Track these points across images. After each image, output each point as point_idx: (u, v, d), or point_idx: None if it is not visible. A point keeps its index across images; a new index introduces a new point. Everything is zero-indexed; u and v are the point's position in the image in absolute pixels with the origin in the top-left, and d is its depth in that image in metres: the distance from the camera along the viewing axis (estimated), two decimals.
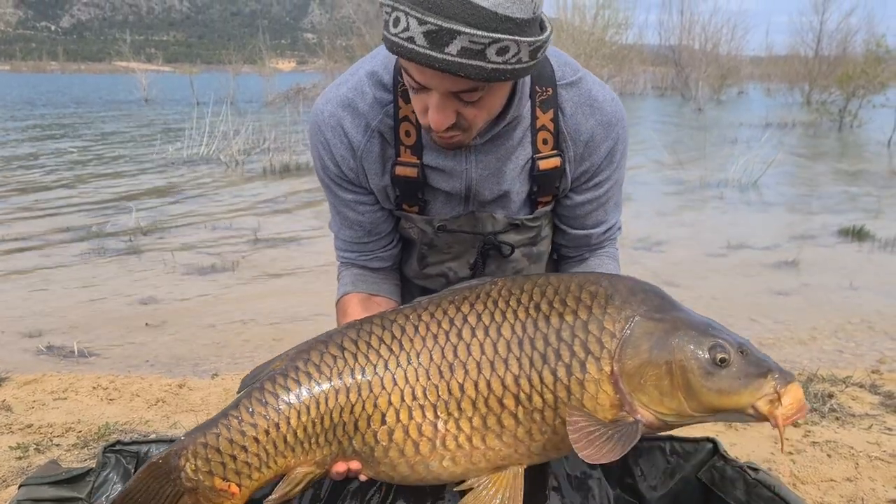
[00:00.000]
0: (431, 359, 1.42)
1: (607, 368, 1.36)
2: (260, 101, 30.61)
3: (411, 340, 1.44)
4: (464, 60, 1.24)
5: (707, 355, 1.33)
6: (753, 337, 4.46)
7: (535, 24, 1.32)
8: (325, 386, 1.43)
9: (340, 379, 1.43)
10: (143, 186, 10.64)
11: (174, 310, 5.18)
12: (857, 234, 7.28)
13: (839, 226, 7.68)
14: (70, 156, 14.20)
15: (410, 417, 1.42)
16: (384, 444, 1.43)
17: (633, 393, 1.35)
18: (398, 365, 1.43)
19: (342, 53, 24.19)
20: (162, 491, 1.44)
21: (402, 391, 1.42)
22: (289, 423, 1.43)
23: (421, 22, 1.22)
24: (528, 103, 1.62)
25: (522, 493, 1.46)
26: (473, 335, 1.43)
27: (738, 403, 1.33)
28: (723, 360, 1.32)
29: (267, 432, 1.43)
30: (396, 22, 1.26)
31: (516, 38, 1.25)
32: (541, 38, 1.32)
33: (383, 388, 1.43)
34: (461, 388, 1.41)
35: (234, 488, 1.45)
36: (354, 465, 1.44)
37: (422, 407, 1.42)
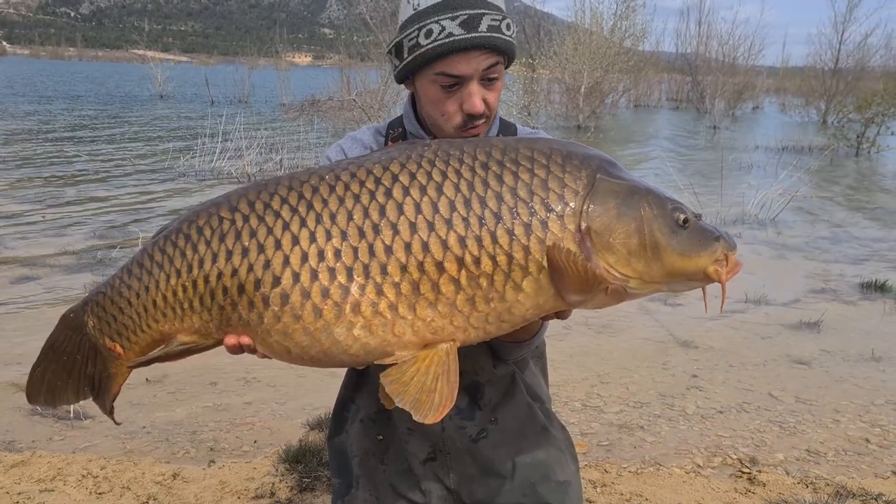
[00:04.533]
0: (350, 218, 1.31)
1: (571, 226, 1.30)
2: (275, 101, 30.60)
3: (324, 200, 1.33)
4: (492, 34, 1.56)
5: (673, 215, 1.34)
6: (776, 419, 4.32)
7: None
8: (203, 248, 1.37)
9: (223, 241, 1.36)
10: (152, 203, 10.52)
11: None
12: (880, 289, 7.08)
13: (860, 277, 7.48)
14: (78, 162, 14.11)
15: (314, 279, 1.30)
16: (275, 308, 1.31)
17: (600, 252, 1.30)
18: (303, 225, 1.32)
19: (357, 50, 24.05)
20: (81, 343, 1.50)
21: (304, 252, 1.31)
22: (158, 286, 1.41)
23: (454, 18, 1.54)
24: None
25: (457, 372, 1.32)
26: (406, 194, 1.31)
27: (698, 265, 1.33)
28: (685, 221, 1.34)
29: (138, 295, 1.43)
30: (429, 34, 1.55)
31: (509, 18, 1.63)
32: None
33: (279, 248, 1.32)
34: (388, 250, 1.29)
35: (119, 349, 1.47)
36: (245, 339, 1.39)
37: (331, 270, 1.29)
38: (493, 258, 1.28)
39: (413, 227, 1.29)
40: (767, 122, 33.07)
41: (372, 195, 1.31)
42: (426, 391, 1.29)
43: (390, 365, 1.34)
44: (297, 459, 3.27)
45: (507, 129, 1.84)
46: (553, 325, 1.78)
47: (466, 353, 1.72)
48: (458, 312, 1.30)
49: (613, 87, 29.11)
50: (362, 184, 1.33)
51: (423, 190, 1.31)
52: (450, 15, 1.55)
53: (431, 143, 1.41)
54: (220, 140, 13.78)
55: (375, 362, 1.36)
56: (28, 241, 8.17)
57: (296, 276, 1.30)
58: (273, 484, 3.14)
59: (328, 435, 1.98)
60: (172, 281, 1.40)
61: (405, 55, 1.60)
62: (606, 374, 4.97)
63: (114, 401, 1.56)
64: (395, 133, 1.82)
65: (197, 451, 3.70)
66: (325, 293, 1.29)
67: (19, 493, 2.98)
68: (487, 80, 1.62)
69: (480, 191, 1.31)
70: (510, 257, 1.28)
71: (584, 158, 1.37)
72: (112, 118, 24.68)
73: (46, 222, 9.05)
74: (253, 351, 1.43)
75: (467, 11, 1.55)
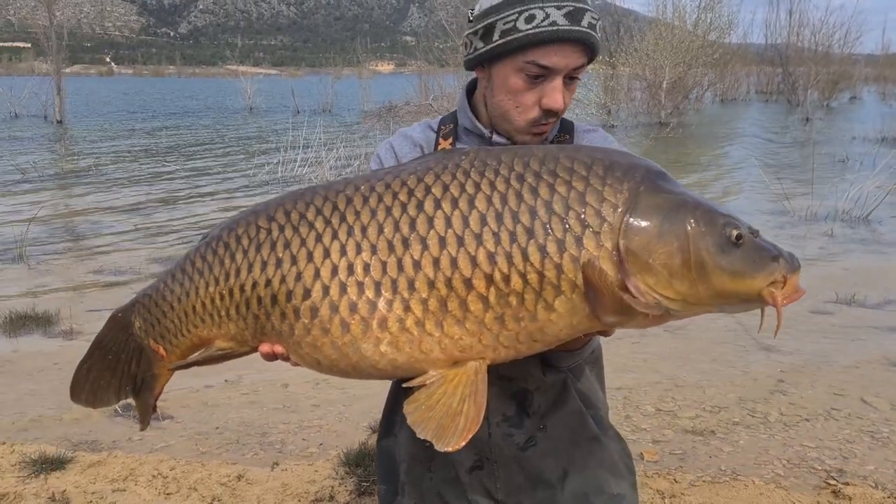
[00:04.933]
0: (381, 232, 1.28)
1: (608, 244, 1.22)
2: (357, 108, 31.20)
3: (357, 213, 1.31)
4: (592, 32, 1.54)
5: (724, 232, 1.22)
6: (867, 428, 4.04)
7: None
8: (240, 258, 1.39)
9: (259, 251, 1.37)
10: (236, 211, 10.87)
11: (252, 361, 5.16)
12: None
13: None
14: (174, 176, 14.76)
15: (343, 293, 1.28)
16: (306, 321, 1.31)
17: (638, 273, 1.21)
18: (334, 237, 1.31)
19: (436, 56, 24.22)
20: (127, 343, 1.54)
21: (335, 265, 1.29)
22: (197, 293, 1.43)
23: (560, 7, 1.50)
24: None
25: (485, 393, 1.28)
26: (438, 207, 1.28)
27: (752, 287, 1.21)
28: (738, 238, 1.23)
29: (179, 300, 1.46)
30: (531, 18, 1.50)
31: (601, 19, 1.59)
32: None
33: (311, 261, 1.31)
34: (416, 265, 1.26)
35: (162, 351, 1.51)
36: (278, 348, 1.40)
37: (360, 284, 1.28)
38: (523, 276, 1.23)
39: (442, 241, 1.25)
40: (866, 112, 31.28)
41: (404, 207, 1.29)
42: (451, 415, 1.26)
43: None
44: (357, 463, 3.28)
45: (566, 126, 1.78)
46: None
47: (516, 361, 1.69)
48: (486, 331, 1.26)
49: (697, 81, 28.24)
50: (395, 195, 1.30)
51: (454, 203, 1.27)
52: (556, 4, 1.51)
53: (469, 152, 1.37)
54: (301, 149, 14.14)
55: (404, 385, 1.34)
56: (120, 249, 8.59)
57: (325, 290, 1.30)
58: (332, 487, 3.16)
59: (378, 437, 1.96)
60: (211, 288, 1.42)
61: (495, 37, 1.55)
62: (682, 377, 4.77)
63: (156, 400, 1.60)
64: (446, 129, 1.78)
65: (265, 453, 3.77)
66: (353, 307, 1.28)
67: (93, 493, 3.10)
68: (570, 79, 1.59)
69: (514, 205, 1.25)
70: (541, 275, 1.23)
71: (628, 169, 1.29)
72: (206, 130, 25.83)
73: (139, 231, 9.51)
74: (287, 359, 1.43)
75: (573, 4, 1.52)
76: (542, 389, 1.72)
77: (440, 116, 1.86)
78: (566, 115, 1.75)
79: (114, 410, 4.33)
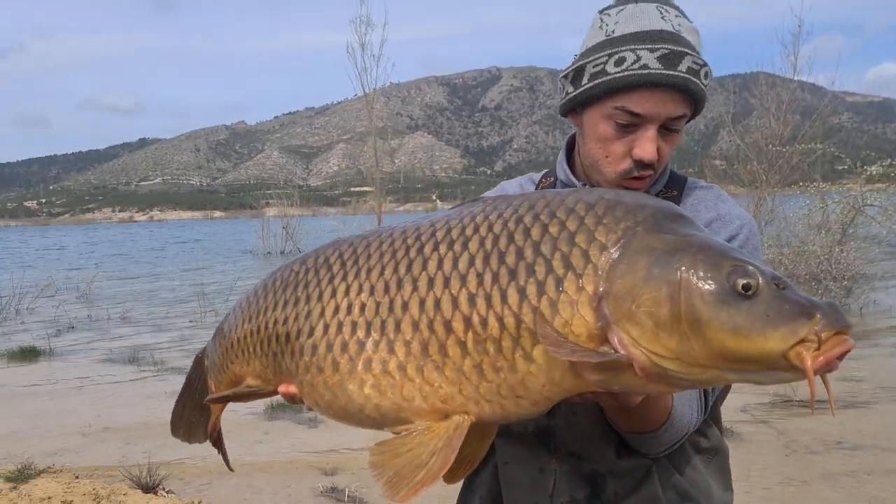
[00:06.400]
0: (382, 274, 1.27)
1: (589, 288, 1.08)
2: None
3: (369, 256, 1.31)
4: (691, 77, 1.41)
5: (725, 280, 1.01)
6: None
7: None
8: (270, 297, 1.45)
9: (284, 292, 1.42)
10: None
11: None
12: None
13: None
14: None
15: (339, 332, 1.27)
16: (307, 359, 1.32)
17: (620, 321, 1.04)
18: (343, 279, 1.31)
19: (737, 179, 22.97)
20: (206, 381, 1.66)
21: (337, 304, 1.30)
22: (236, 329, 1.51)
23: (653, 50, 1.41)
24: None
25: (457, 450, 1.15)
26: (435, 249, 1.23)
27: (764, 349, 0.97)
28: (747, 288, 1.00)
29: (225, 336, 1.55)
30: (620, 61, 1.42)
31: (708, 66, 1.46)
32: None
33: (319, 300, 1.33)
34: (405, 306, 1.21)
35: (213, 386, 1.62)
36: (292, 388, 1.40)
37: (353, 323, 1.26)
38: (500, 320, 1.13)
39: (431, 282, 1.21)
40: None
41: (408, 250, 1.28)
42: (415, 465, 1.16)
43: None
44: None
45: (676, 180, 1.64)
46: None
47: (589, 439, 1.58)
48: (465, 380, 1.16)
49: None
50: (405, 239, 1.30)
51: (450, 244, 1.23)
52: (648, 46, 1.41)
53: (493, 198, 1.33)
54: None
55: (391, 430, 1.27)
56: None
57: (326, 328, 1.31)
58: None
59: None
60: (245, 325, 1.51)
61: (584, 81, 1.49)
62: None
63: (214, 437, 1.70)
64: (547, 182, 1.73)
65: None
66: (344, 347, 1.27)
67: None
68: (667, 130, 1.47)
69: (503, 245, 1.17)
70: (518, 320, 1.11)
71: (631, 209, 1.14)
72: None
73: None
74: (302, 401, 1.43)
75: (669, 46, 1.41)
76: (618, 474, 1.54)
77: (546, 170, 1.83)
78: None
79: (319, 491, 4.65)
